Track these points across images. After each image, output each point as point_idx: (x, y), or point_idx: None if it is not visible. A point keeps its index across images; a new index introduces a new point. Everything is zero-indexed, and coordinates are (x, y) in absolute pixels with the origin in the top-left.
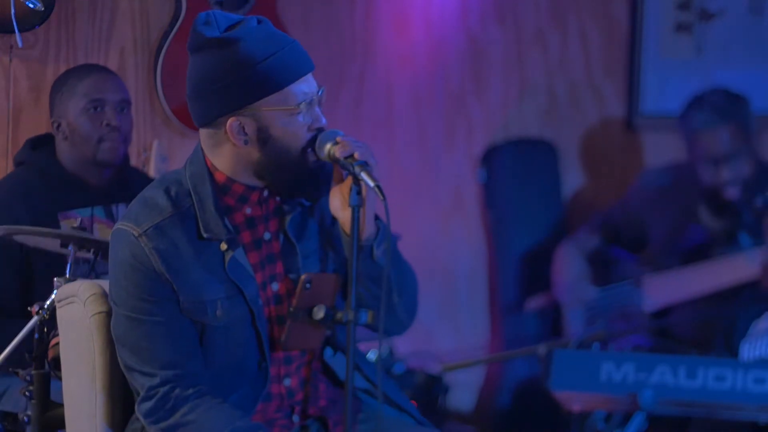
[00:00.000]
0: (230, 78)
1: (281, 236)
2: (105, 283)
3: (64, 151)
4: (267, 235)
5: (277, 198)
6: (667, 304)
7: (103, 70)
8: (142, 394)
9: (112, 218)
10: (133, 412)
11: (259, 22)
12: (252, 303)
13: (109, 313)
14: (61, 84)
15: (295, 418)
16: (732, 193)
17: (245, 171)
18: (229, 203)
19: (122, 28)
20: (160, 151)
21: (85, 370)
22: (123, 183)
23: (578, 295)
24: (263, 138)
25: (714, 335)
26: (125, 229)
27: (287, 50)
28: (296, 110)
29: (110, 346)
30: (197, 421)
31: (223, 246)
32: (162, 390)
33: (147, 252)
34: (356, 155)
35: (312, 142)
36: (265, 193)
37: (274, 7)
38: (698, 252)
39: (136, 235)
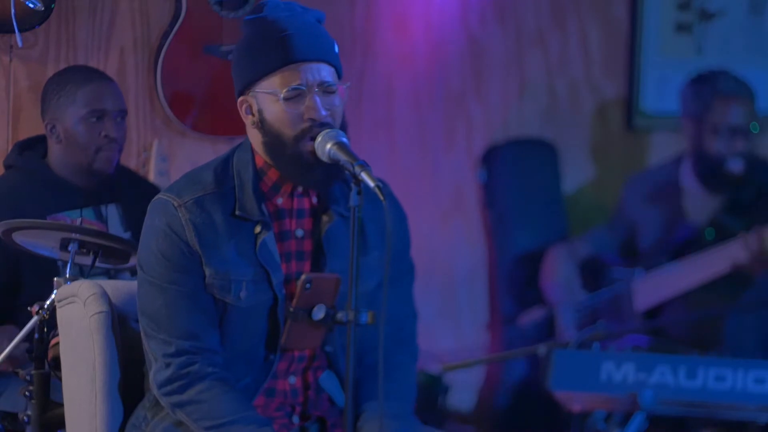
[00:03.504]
0: (239, 58)
1: (314, 240)
2: (105, 284)
3: (56, 154)
4: (300, 232)
5: (314, 199)
6: (658, 303)
7: (104, 77)
8: (157, 363)
9: (102, 219)
10: (132, 411)
11: (286, 5)
12: (277, 289)
13: (108, 314)
14: (58, 87)
15: (295, 419)
16: (737, 166)
17: (265, 154)
18: (263, 190)
19: (122, 28)
20: (160, 151)
21: (84, 370)
22: (112, 184)
23: (567, 297)
24: (261, 120)
25: (708, 333)
26: (166, 199)
27: (289, 35)
28: (278, 97)
29: (110, 346)
30: (210, 402)
31: (257, 228)
32: (178, 361)
33: (183, 222)
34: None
35: (308, 133)
36: (299, 188)
37: None
38: (686, 248)
39: (176, 205)
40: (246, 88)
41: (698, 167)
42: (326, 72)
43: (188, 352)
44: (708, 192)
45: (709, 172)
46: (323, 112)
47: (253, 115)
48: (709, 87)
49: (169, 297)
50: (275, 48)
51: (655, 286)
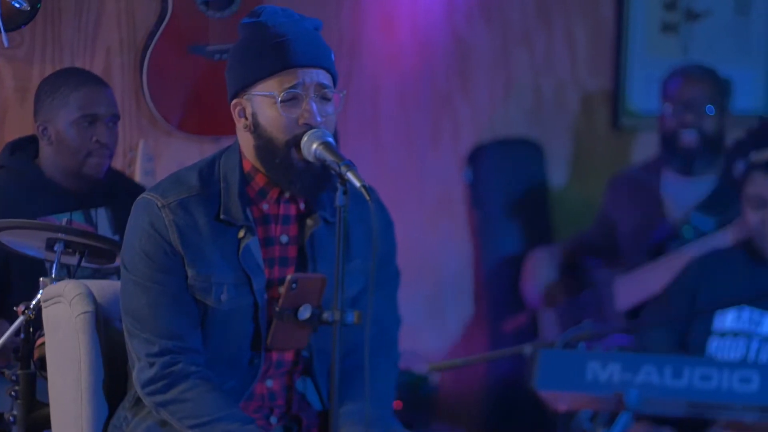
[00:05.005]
0: (235, 61)
1: (299, 246)
2: (90, 284)
3: (47, 155)
4: (284, 238)
5: (301, 205)
6: (639, 302)
7: (98, 82)
8: (140, 362)
9: (91, 223)
10: (116, 411)
11: (284, 11)
12: (258, 295)
13: (94, 314)
14: (52, 89)
15: (273, 419)
16: (689, 138)
17: (254, 159)
18: (250, 195)
19: (108, 28)
20: (146, 151)
21: (70, 370)
22: (103, 187)
23: (548, 300)
24: (255, 123)
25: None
26: (150, 199)
27: (288, 40)
28: (275, 99)
29: (95, 345)
30: (193, 400)
31: (241, 233)
32: (161, 360)
33: (166, 223)
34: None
35: (299, 139)
36: (286, 194)
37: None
38: (665, 247)
39: (160, 206)
40: (241, 90)
41: (662, 148)
42: (323, 77)
43: (172, 352)
44: (677, 174)
45: (667, 146)
46: (319, 118)
47: (246, 118)
48: (678, 71)
49: (152, 296)
50: (273, 52)
51: (635, 286)
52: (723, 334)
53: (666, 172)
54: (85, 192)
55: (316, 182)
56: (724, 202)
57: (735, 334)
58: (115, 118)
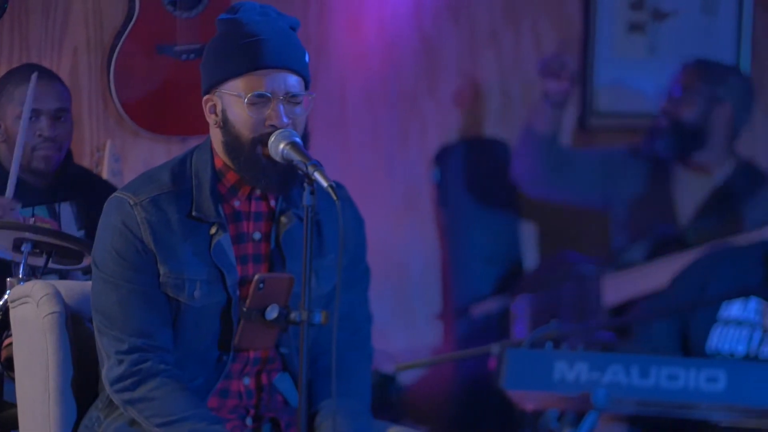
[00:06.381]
0: (208, 57)
1: (273, 242)
2: (59, 284)
3: (3, 152)
4: (257, 235)
5: (272, 202)
6: (628, 300)
7: (43, 77)
8: (110, 360)
9: (55, 217)
10: (86, 411)
11: (262, 8)
12: (231, 291)
13: (61, 314)
14: (1, 86)
15: (249, 420)
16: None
17: (224, 155)
18: (221, 192)
19: (75, 28)
20: (113, 151)
21: (38, 371)
22: (68, 182)
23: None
24: (224, 120)
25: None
26: (122, 197)
27: (260, 40)
28: (243, 99)
29: (63, 346)
30: (161, 399)
31: (213, 230)
32: (130, 358)
33: (138, 221)
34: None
35: (265, 138)
36: (257, 191)
37: (227, 7)
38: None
39: (132, 203)
40: (212, 87)
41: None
42: (293, 81)
43: (141, 350)
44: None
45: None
46: (285, 120)
47: (216, 114)
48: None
49: (122, 294)
50: (244, 52)
51: (625, 284)
52: (727, 322)
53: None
54: (49, 186)
55: (282, 180)
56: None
57: (739, 323)
58: (62, 111)
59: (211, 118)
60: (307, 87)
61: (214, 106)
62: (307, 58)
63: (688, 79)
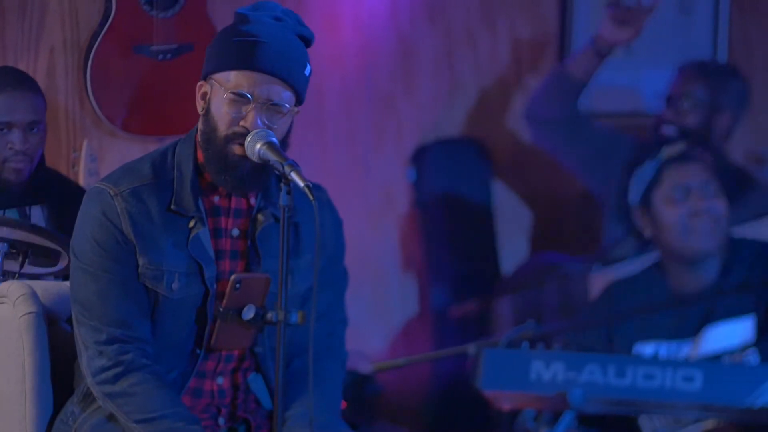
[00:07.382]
0: (214, 43)
1: (249, 240)
2: (35, 284)
3: None
4: (235, 232)
5: (252, 200)
6: None
7: (18, 87)
8: (89, 351)
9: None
10: (60, 411)
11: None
12: (209, 283)
13: (38, 314)
14: None
15: (221, 420)
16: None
17: (202, 146)
18: (202, 186)
19: (52, 28)
20: (89, 151)
21: (14, 371)
22: (39, 185)
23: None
24: (207, 109)
25: None
26: (103, 188)
27: (257, 42)
28: (225, 93)
29: (40, 346)
30: (141, 395)
31: (191, 223)
32: (110, 349)
33: (119, 212)
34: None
35: (238, 138)
36: None
37: (204, 7)
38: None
39: (112, 194)
40: (208, 73)
41: None
42: (278, 91)
43: (120, 340)
44: None
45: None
46: (259, 125)
47: (204, 101)
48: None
49: (101, 284)
50: (240, 49)
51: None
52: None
53: None
54: (20, 189)
55: (247, 179)
56: None
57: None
58: (35, 123)
59: (199, 105)
60: (300, 101)
61: (205, 93)
62: (307, 72)
63: (687, 84)
